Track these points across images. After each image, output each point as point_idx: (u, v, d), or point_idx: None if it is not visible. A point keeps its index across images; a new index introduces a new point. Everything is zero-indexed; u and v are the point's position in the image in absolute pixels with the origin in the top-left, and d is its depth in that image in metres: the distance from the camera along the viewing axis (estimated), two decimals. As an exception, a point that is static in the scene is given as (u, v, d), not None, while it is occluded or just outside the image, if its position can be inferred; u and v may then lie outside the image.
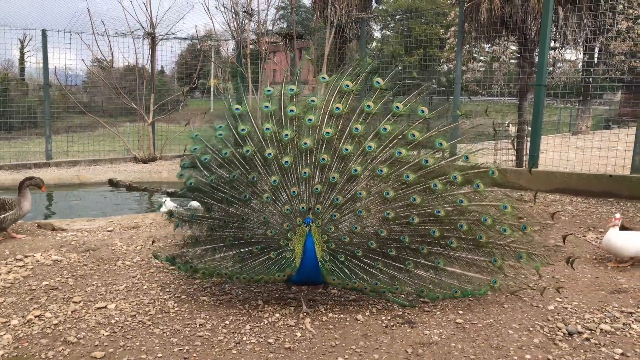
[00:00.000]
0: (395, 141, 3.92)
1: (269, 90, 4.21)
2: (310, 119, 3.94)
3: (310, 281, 3.88)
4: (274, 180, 3.92)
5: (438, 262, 3.89)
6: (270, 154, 3.94)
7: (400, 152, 3.89)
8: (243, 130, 4.06)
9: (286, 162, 3.91)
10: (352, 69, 4.06)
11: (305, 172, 3.88)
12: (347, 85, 3.99)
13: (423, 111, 3.96)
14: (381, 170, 3.86)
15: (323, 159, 3.87)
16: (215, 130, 4.28)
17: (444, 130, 4.00)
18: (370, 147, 3.88)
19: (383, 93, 4.00)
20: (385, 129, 3.92)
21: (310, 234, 3.73)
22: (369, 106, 3.95)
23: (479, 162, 4.01)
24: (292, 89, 4.07)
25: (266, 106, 4.05)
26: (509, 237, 3.92)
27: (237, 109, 4.17)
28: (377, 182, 3.91)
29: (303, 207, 3.86)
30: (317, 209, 3.87)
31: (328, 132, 3.89)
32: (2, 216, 5.68)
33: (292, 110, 3.97)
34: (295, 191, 3.89)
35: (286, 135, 3.94)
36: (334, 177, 3.86)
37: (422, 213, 3.87)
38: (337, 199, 3.86)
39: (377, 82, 4.00)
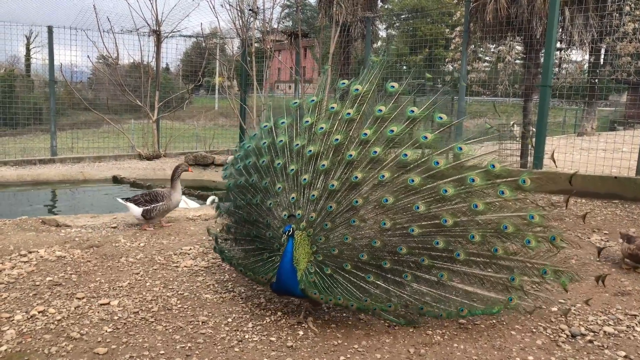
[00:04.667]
0: (403, 143, 3.66)
1: (295, 103, 4.25)
2: (321, 127, 3.87)
3: (288, 292, 3.67)
4: (279, 187, 3.88)
5: (441, 276, 3.54)
6: (279, 163, 3.95)
7: (405, 155, 3.60)
8: (264, 143, 4.18)
9: (291, 169, 3.86)
10: (366, 73, 3.93)
11: (305, 179, 3.76)
12: (357, 90, 3.88)
13: (441, 118, 3.68)
14: (383, 176, 3.58)
15: (323, 165, 3.72)
16: (245, 142, 4.56)
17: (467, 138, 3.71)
18: (375, 152, 3.64)
19: (397, 97, 3.81)
20: (392, 131, 3.66)
21: (291, 242, 3.52)
22: (380, 110, 3.73)
23: (506, 168, 3.62)
24: (313, 100, 4.09)
25: (282, 122, 4.17)
26: (534, 249, 3.55)
27: (265, 125, 4.35)
28: (378, 190, 3.62)
29: (299, 214, 3.72)
30: (312, 217, 3.68)
31: (337, 139, 3.75)
32: (152, 206, 6.12)
33: (307, 121, 3.99)
34: (294, 197, 3.78)
35: (297, 144, 3.93)
36: (332, 185, 3.66)
37: (426, 223, 3.54)
38: (331, 207, 3.63)
39: (392, 87, 3.81)
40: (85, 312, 3.84)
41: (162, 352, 3.28)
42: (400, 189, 3.58)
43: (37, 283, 4.38)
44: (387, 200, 3.54)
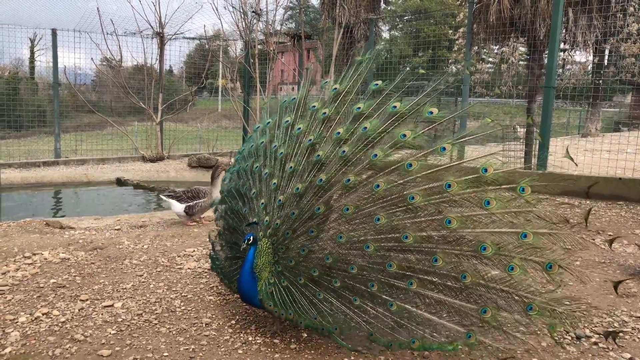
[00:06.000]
0: (377, 142, 3.27)
1: (284, 102, 4.01)
2: (299, 128, 3.61)
3: (248, 302, 3.52)
4: (253, 192, 3.66)
5: (390, 305, 3.09)
6: (257, 167, 3.74)
7: (375, 155, 3.19)
8: (251, 145, 4.00)
9: (265, 173, 3.63)
10: (346, 71, 3.66)
11: (274, 183, 3.52)
12: (335, 89, 3.61)
13: (431, 112, 3.21)
14: (348, 180, 3.21)
15: (290, 167, 3.48)
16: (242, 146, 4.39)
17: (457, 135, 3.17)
18: (343, 151, 3.29)
19: (384, 95, 3.44)
20: (365, 128, 3.29)
21: (252, 250, 3.36)
22: (359, 108, 3.41)
23: (501, 173, 3.00)
24: (293, 99, 3.87)
25: (268, 122, 3.96)
26: (516, 278, 2.91)
27: (257, 127, 4.17)
28: (343, 196, 3.28)
29: (266, 221, 3.47)
30: (277, 223, 3.42)
31: (310, 140, 3.48)
32: (194, 202, 6.49)
33: (287, 121, 3.74)
34: (263, 202, 3.55)
35: (274, 146, 3.70)
36: (297, 188, 3.37)
37: (384, 238, 3.13)
38: (293, 213, 3.36)
39: (375, 85, 3.52)
40: (89, 314, 3.84)
41: (165, 354, 3.28)
42: (365, 196, 3.21)
43: (41, 285, 4.38)
44: (347, 210, 3.20)
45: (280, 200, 3.45)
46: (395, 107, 3.30)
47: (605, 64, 14.94)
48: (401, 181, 3.13)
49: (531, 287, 2.94)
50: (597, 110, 18.71)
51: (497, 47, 13.93)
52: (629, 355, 3.33)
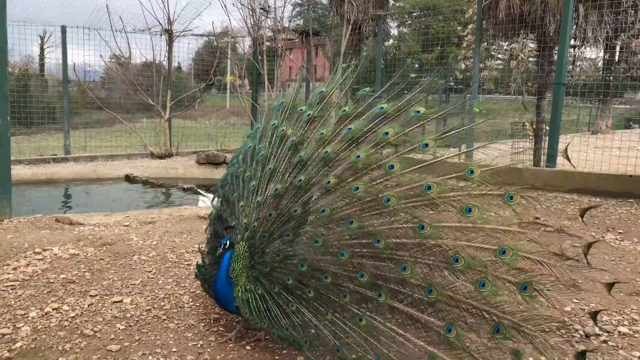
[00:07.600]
0: (360, 143, 3.17)
1: (275, 106, 3.95)
2: (282, 130, 3.55)
3: (225, 308, 3.41)
4: (235, 196, 3.59)
5: (360, 319, 2.87)
6: (241, 170, 3.68)
7: (358, 157, 3.06)
8: (240, 152, 3.93)
9: (247, 175, 3.58)
10: (333, 76, 3.67)
11: (253, 185, 3.44)
12: (321, 92, 3.58)
13: (418, 112, 3.07)
14: (328, 182, 3.10)
15: (270, 168, 3.41)
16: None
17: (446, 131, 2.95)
18: (326, 152, 3.20)
19: (372, 98, 3.37)
20: (349, 129, 3.21)
21: (228, 255, 3.23)
22: (344, 110, 3.35)
23: (489, 176, 2.72)
24: (282, 102, 3.81)
25: (258, 127, 3.88)
26: (487, 295, 2.60)
27: (250, 133, 4.09)
28: (322, 199, 3.17)
29: (245, 223, 3.36)
30: (254, 225, 3.30)
31: (292, 140, 3.42)
32: None
33: (273, 124, 3.68)
34: (242, 205, 3.46)
35: (259, 149, 3.62)
36: (277, 189, 3.27)
37: (358, 243, 2.97)
38: (271, 214, 3.25)
39: (363, 91, 3.49)
40: (99, 309, 3.87)
41: (174, 349, 3.30)
42: (344, 199, 3.06)
43: (52, 280, 4.42)
44: (324, 212, 3.06)
45: (258, 201, 3.35)
46: (382, 108, 3.19)
47: (616, 60, 14.80)
48: (380, 180, 2.99)
49: (502, 304, 2.61)
50: (608, 107, 18.56)
51: (506, 44, 13.83)
52: (638, 354, 3.31)
